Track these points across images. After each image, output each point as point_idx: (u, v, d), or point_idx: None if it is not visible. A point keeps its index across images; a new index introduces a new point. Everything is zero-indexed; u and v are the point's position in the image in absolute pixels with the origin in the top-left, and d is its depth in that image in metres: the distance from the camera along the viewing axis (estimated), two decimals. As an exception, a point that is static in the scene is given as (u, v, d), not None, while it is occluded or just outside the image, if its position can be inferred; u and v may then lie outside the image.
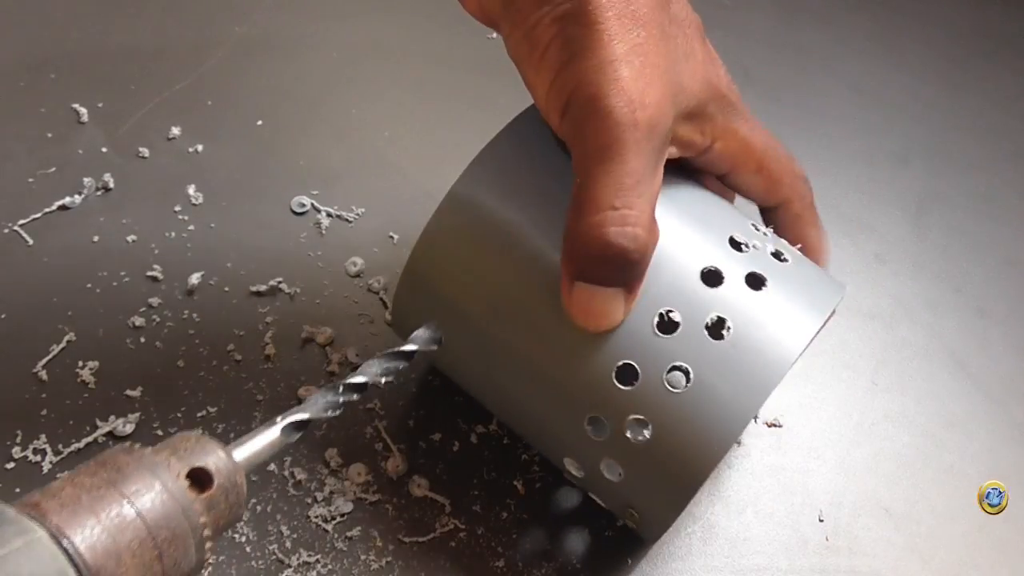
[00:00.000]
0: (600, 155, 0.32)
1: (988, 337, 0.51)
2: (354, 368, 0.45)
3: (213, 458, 0.28)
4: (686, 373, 0.34)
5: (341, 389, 0.33)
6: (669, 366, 0.34)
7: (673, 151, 0.36)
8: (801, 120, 0.60)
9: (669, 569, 0.41)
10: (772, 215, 0.41)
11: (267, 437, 0.30)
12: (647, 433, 0.34)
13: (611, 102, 0.32)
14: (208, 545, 0.27)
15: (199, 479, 0.27)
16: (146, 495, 0.26)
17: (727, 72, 0.38)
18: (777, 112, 0.60)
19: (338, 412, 0.33)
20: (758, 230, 0.38)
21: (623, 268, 0.33)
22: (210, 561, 0.39)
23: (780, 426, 0.46)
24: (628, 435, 0.35)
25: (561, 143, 0.36)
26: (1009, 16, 0.69)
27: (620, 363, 0.34)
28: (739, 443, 0.45)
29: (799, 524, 0.43)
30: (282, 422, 0.31)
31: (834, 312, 0.37)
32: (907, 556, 0.43)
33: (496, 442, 0.44)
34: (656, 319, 0.34)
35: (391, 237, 0.50)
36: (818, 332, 0.36)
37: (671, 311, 0.34)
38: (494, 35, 0.58)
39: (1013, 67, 0.65)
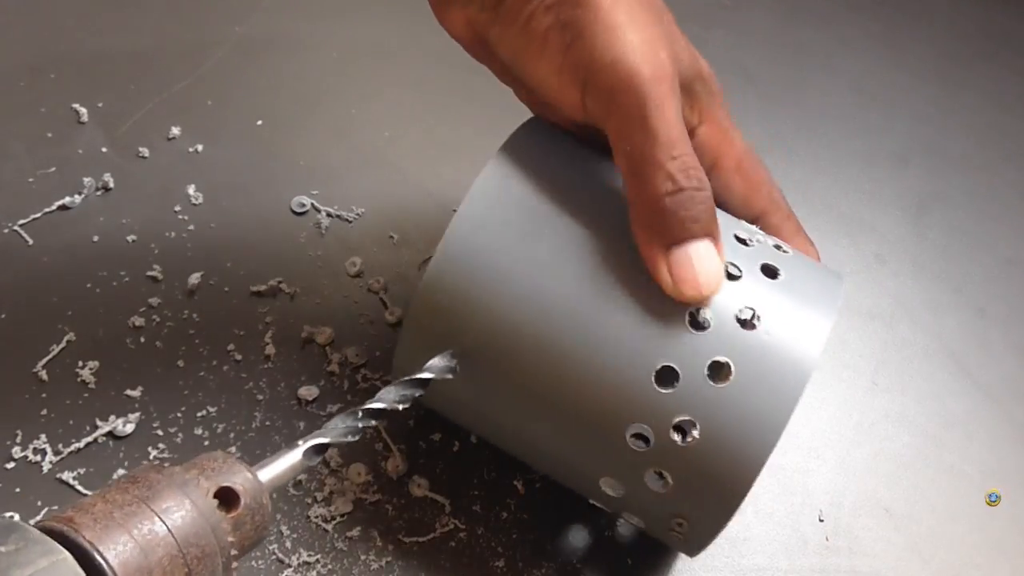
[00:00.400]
0: (641, 115, 0.33)
1: (988, 337, 0.51)
2: (355, 369, 0.45)
3: (240, 478, 0.28)
4: (724, 368, 0.34)
5: (360, 415, 0.33)
6: (709, 362, 0.34)
7: None
8: (801, 120, 0.60)
9: (669, 569, 0.41)
10: None
11: (289, 459, 0.31)
12: (696, 433, 0.34)
13: (634, 61, 0.33)
14: (234, 565, 0.27)
15: (227, 498, 0.28)
16: (176, 512, 0.26)
17: (710, 68, 0.39)
18: (777, 112, 0.60)
19: (357, 437, 0.33)
20: (746, 243, 0.37)
21: (704, 210, 0.34)
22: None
23: (780, 426, 0.46)
24: (675, 439, 0.34)
25: (566, 145, 0.36)
26: (1009, 16, 0.69)
27: (659, 366, 0.34)
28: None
29: (799, 524, 0.43)
30: (304, 445, 0.31)
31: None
32: (907, 556, 0.43)
33: (496, 442, 0.44)
34: (687, 318, 0.34)
35: (391, 237, 0.50)
36: None
37: (700, 309, 0.34)
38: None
39: (1013, 67, 0.65)
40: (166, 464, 0.28)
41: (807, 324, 0.35)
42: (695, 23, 0.63)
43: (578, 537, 0.42)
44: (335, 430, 0.33)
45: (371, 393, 0.44)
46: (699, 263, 0.34)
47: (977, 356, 0.50)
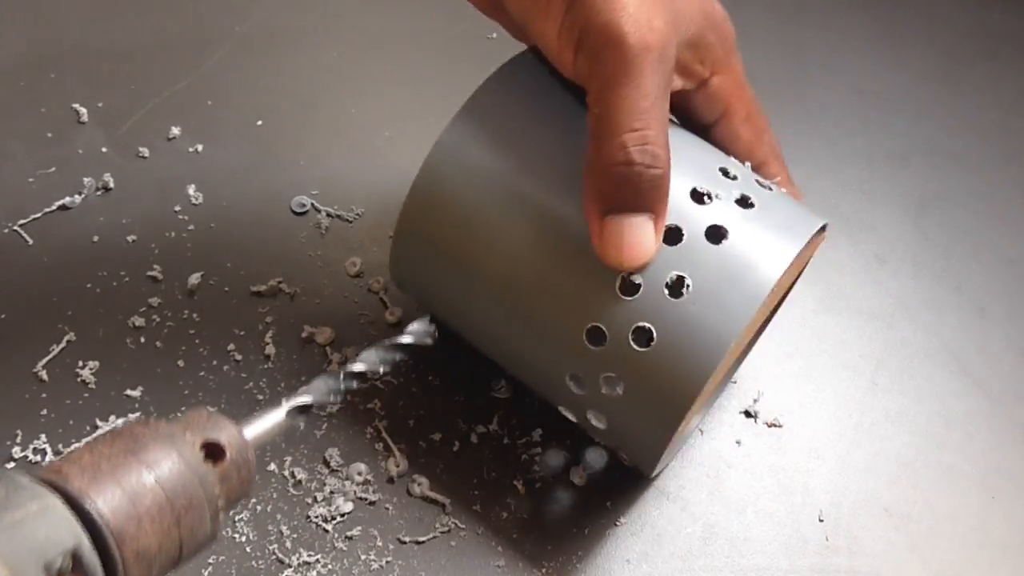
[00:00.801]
0: (616, 81, 0.33)
1: (988, 337, 0.51)
2: (354, 368, 0.45)
3: (226, 433, 0.28)
4: (647, 333, 0.35)
5: (342, 376, 0.34)
6: (633, 327, 0.35)
7: (676, 81, 0.37)
8: (801, 120, 0.60)
9: (669, 569, 0.41)
10: None
11: (273, 418, 0.31)
12: (619, 389, 0.36)
13: (624, 27, 0.33)
14: (221, 517, 0.28)
15: (213, 452, 0.28)
16: (164, 463, 0.26)
17: (725, 14, 0.39)
18: (777, 112, 0.59)
19: (339, 399, 0.34)
20: (728, 175, 0.37)
21: (649, 188, 0.34)
22: (210, 561, 0.39)
23: (780, 426, 0.46)
24: (604, 391, 0.36)
25: (563, 83, 0.37)
26: (1009, 16, 0.69)
27: (589, 326, 0.36)
28: (739, 443, 0.45)
29: (799, 524, 0.43)
30: (286, 405, 0.32)
31: (821, 240, 0.39)
32: (907, 556, 0.43)
33: (496, 442, 0.44)
34: (619, 281, 0.35)
35: (391, 237, 0.50)
36: (804, 264, 0.38)
37: (631, 273, 0.35)
38: (494, 35, 0.58)
39: (1014, 66, 0.65)
40: (152, 418, 0.28)
41: (735, 297, 0.35)
42: (695, 23, 0.63)
43: (578, 537, 0.42)
44: (317, 391, 0.33)
45: (372, 393, 0.45)
46: (629, 235, 0.34)
47: (977, 356, 0.50)
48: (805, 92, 0.62)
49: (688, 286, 0.35)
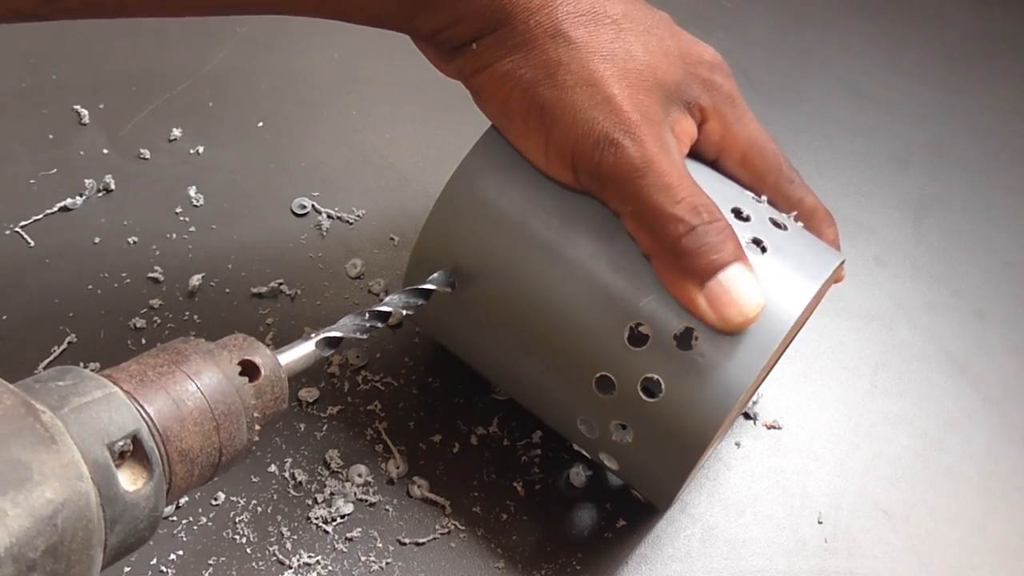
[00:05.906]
0: (630, 179, 0.34)
1: (987, 339, 0.51)
2: (355, 370, 0.45)
3: (260, 354, 0.30)
4: (656, 383, 0.35)
5: (367, 316, 0.36)
6: (641, 378, 0.35)
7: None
8: (801, 122, 0.60)
9: (668, 571, 0.42)
10: None
11: (304, 349, 0.33)
12: (629, 437, 0.36)
13: (614, 137, 0.34)
14: (257, 428, 0.29)
15: (248, 370, 0.30)
16: (205, 375, 0.28)
17: (715, 56, 0.39)
18: (777, 114, 0.60)
19: (365, 336, 0.36)
20: (741, 216, 0.37)
21: (721, 240, 0.34)
22: (210, 562, 0.39)
23: (779, 428, 0.46)
24: (614, 438, 0.37)
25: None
26: (1009, 18, 0.69)
27: (598, 375, 0.36)
28: (739, 445, 0.46)
29: (798, 526, 0.44)
30: (316, 337, 0.34)
31: (839, 274, 0.39)
32: (906, 558, 0.43)
33: (496, 444, 0.44)
34: (627, 331, 0.35)
35: (392, 239, 0.50)
36: (820, 298, 0.38)
37: (640, 325, 0.35)
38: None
39: (1013, 69, 0.65)
40: (192, 336, 0.30)
41: (745, 347, 0.34)
42: (696, 25, 0.63)
43: (578, 538, 0.42)
44: (345, 327, 0.35)
45: (372, 395, 0.45)
46: (734, 289, 0.34)
47: (976, 358, 0.50)
48: (805, 94, 0.62)
49: (696, 337, 0.35)
